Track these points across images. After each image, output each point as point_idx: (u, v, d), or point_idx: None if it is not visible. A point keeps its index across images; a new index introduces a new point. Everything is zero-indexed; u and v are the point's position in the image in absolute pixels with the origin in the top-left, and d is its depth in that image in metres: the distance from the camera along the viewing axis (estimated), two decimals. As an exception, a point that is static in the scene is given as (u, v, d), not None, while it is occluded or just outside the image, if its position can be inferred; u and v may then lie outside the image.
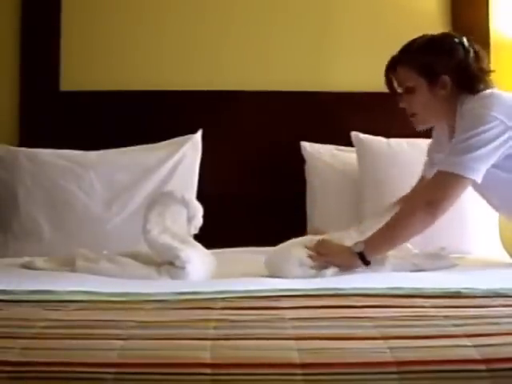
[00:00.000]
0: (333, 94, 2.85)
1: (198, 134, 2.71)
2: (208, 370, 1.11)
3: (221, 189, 2.66)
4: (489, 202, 2.16)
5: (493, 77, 2.09)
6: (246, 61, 2.91)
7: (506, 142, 1.94)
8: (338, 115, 2.76)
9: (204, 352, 1.16)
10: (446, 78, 2.04)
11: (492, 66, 2.85)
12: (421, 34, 2.88)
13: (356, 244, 1.95)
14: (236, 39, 2.91)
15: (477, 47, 2.09)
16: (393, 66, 2.12)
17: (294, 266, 1.92)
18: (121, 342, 1.20)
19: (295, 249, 1.95)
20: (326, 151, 2.74)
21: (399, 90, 2.13)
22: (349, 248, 1.96)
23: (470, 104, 2.01)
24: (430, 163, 2.23)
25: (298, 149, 2.75)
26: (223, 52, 2.91)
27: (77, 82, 2.84)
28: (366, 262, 1.93)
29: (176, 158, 2.64)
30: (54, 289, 1.60)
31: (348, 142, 2.68)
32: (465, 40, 2.08)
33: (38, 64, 2.84)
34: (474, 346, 1.17)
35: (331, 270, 1.91)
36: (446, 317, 1.37)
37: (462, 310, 1.43)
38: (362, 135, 2.65)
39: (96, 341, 1.22)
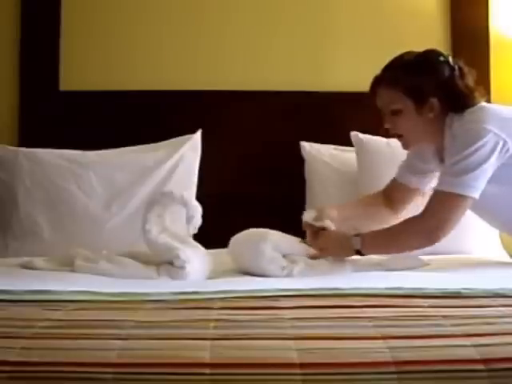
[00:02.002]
0: (332, 94, 2.85)
1: (198, 134, 2.71)
2: (207, 370, 1.11)
3: (220, 189, 2.66)
4: (488, 218, 2.16)
5: (480, 91, 2.05)
6: (245, 61, 2.91)
7: (500, 152, 1.92)
8: (337, 115, 2.76)
9: (203, 352, 1.16)
10: (434, 101, 2.01)
11: (491, 66, 2.88)
12: (421, 33, 2.92)
13: (354, 239, 1.97)
14: (236, 39, 2.91)
15: (461, 63, 2.06)
16: (377, 87, 2.08)
17: (265, 263, 1.92)
18: (120, 342, 1.20)
19: (265, 245, 1.95)
20: (326, 151, 2.74)
21: (384, 111, 2.10)
22: (348, 242, 1.97)
23: (461, 121, 1.99)
24: (407, 169, 2.21)
25: (298, 149, 2.75)
26: (223, 52, 2.91)
27: (76, 82, 2.85)
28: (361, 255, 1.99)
29: (175, 158, 2.64)
30: (54, 289, 1.60)
31: (348, 142, 2.68)
32: (449, 57, 2.05)
33: (37, 64, 2.84)
34: (474, 346, 1.17)
35: (298, 268, 1.92)
36: (446, 317, 1.37)
37: (461, 309, 1.43)
38: (361, 135, 2.65)
39: (95, 341, 1.22)
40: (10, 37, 2.86)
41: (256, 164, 2.78)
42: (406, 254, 2.12)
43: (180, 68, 2.90)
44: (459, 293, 1.58)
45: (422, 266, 2.06)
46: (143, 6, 2.91)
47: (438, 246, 2.39)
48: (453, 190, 1.92)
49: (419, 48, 2.75)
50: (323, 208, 2.13)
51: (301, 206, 2.67)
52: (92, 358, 1.14)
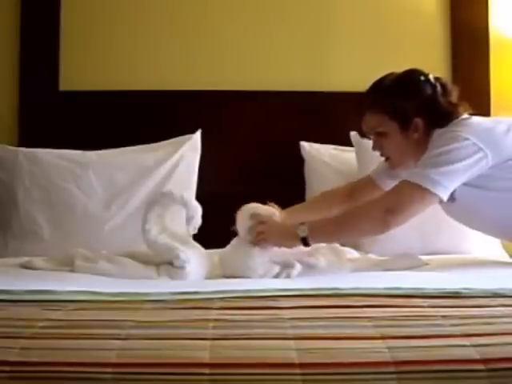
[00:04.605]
0: (332, 94, 2.85)
1: (197, 134, 2.71)
2: (206, 370, 1.11)
3: (220, 189, 2.66)
4: (485, 228, 2.15)
5: (463, 106, 2.06)
6: (245, 61, 2.91)
7: (477, 162, 1.91)
8: (337, 115, 2.76)
9: (203, 352, 1.16)
10: (419, 121, 2.01)
11: (492, 66, 2.88)
12: (421, 33, 2.92)
13: (301, 227, 1.92)
14: (236, 39, 2.91)
15: (443, 80, 2.07)
16: (362, 111, 2.08)
17: (257, 266, 1.91)
18: (119, 342, 1.20)
19: (253, 261, 1.92)
20: (326, 151, 2.74)
21: (369, 134, 2.11)
22: (293, 230, 1.93)
23: (442, 130, 2.00)
24: (386, 171, 2.20)
25: (298, 149, 2.75)
26: (222, 52, 2.91)
27: (76, 82, 2.85)
28: (307, 245, 1.93)
29: (175, 158, 2.65)
30: (53, 289, 1.60)
31: (347, 142, 2.68)
32: (430, 76, 2.05)
33: (37, 64, 2.84)
34: (473, 346, 1.17)
35: (296, 271, 1.91)
36: (445, 317, 1.36)
37: (460, 309, 1.43)
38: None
39: (95, 341, 1.22)
40: (10, 37, 2.86)
41: (256, 164, 2.78)
42: (406, 253, 2.12)
43: (180, 68, 2.90)
44: (458, 293, 1.58)
45: (421, 265, 2.06)
46: (143, 6, 2.91)
47: (438, 246, 2.41)
48: (416, 180, 1.91)
49: (419, 48, 2.76)
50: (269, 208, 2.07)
51: (301, 206, 2.67)
52: (91, 357, 1.14)
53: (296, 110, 2.84)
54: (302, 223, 1.94)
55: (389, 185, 2.14)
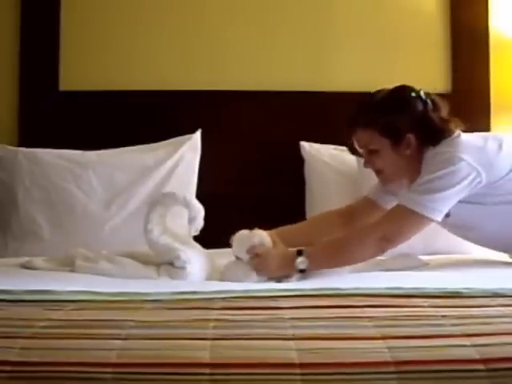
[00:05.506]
0: (332, 94, 2.85)
1: (197, 134, 2.71)
2: (207, 370, 1.11)
3: (220, 189, 2.66)
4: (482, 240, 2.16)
5: (455, 121, 2.04)
6: (245, 61, 2.91)
7: (471, 182, 1.92)
8: (337, 115, 2.75)
9: (203, 352, 1.16)
10: (411, 137, 2.01)
11: (491, 66, 2.88)
12: (420, 33, 2.92)
13: (299, 261, 1.89)
14: (235, 39, 2.91)
15: (433, 96, 2.06)
16: (352, 128, 2.08)
17: (255, 281, 1.88)
18: (120, 342, 1.20)
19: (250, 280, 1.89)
20: (326, 151, 2.74)
21: (361, 151, 2.10)
22: (290, 261, 1.90)
23: (435, 150, 1.99)
24: (382, 189, 2.19)
25: (298, 149, 2.75)
26: (223, 52, 2.91)
27: (76, 82, 2.85)
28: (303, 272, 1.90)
29: (175, 157, 2.65)
30: (54, 289, 1.60)
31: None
32: (421, 92, 2.04)
33: (37, 64, 2.84)
34: (473, 346, 1.17)
35: (294, 278, 1.89)
36: (445, 316, 1.37)
37: (460, 309, 1.43)
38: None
39: (95, 340, 1.22)
40: (10, 37, 2.85)
41: (256, 164, 2.78)
42: (406, 253, 2.12)
43: (180, 68, 2.90)
44: (459, 293, 1.58)
45: (421, 265, 2.06)
46: (142, 5, 2.91)
47: (438, 246, 2.41)
48: (412, 207, 1.91)
49: (419, 48, 2.76)
50: (259, 233, 2.01)
51: (301, 206, 2.68)
52: (92, 357, 1.14)
53: (296, 110, 2.83)
54: (300, 251, 1.91)
55: (389, 202, 2.13)
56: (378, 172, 2.11)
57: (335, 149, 2.75)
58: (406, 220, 1.93)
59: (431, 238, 2.40)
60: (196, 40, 2.90)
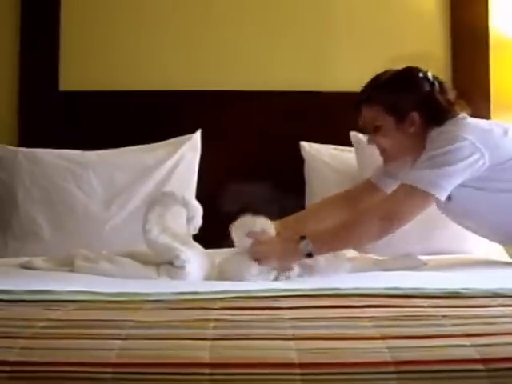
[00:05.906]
0: (332, 94, 2.85)
1: (197, 134, 2.71)
2: (207, 370, 1.11)
3: (220, 189, 2.66)
4: (478, 229, 2.16)
5: (460, 104, 2.07)
6: (245, 61, 2.91)
7: (475, 162, 1.92)
8: (337, 115, 2.76)
9: (203, 352, 1.16)
10: (415, 115, 2.03)
11: (491, 66, 2.88)
12: (421, 33, 2.92)
13: (303, 243, 1.88)
14: (237, 40, 2.91)
15: (441, 79, 2.08)
16: (358, 106, 2.10)
17: (253, 277, 1.87)
18: (120, 342, 1.20)
19: (249, 274, 1.87)
20: (326, 151, 2.74)
21: (366, 129, 2.12)
22: (294, 247, 1.89)
23: (440, 129, 2.00)
24: (384, 172, 2.21)
25: (298, 149, 2.75)
26: (223, 52, 2.91)
27: (76, 82, 2.85)
28: (311, 257, 1.90)
29: (175, 157, 2.65)
30: (54, 289, 1.60)
31: (347, 142, 2.68)
32: (429, 73, 2.06)
33: (37, 64, 2.84)
34: (473, 346, 1.17)
35: (294, 274, 1.90)
36: (445, 317, 1.36)
37: (460, 309, 1.43)
38: (361, 135, 2.64)
39: (95, 341, 1.21)
40: (10, 37, 2.86)
41: (255, 164, 2.78)
42: (406, 253, 2.12)
43: (180, 68, 2.91)
44: (459, 293, 1.58)
45: (421, 265, 2.06)
46: (143, 5, 2.92)
47: (437, 246, 2.41)
48: (415, 183, 1.91)
49: (419, 48, 2.76)
50: (262, 220, 2.00)
51: (301, 206, 2.67)
52: (91, 357, 1.14)
53: (296, 110, 2.84)
54: (302, 236, 1.90)
55: (390, 185, 2.15)
56: (382, 150, 2.12)
57: (335, 149, 2.76)
58: (408, 198, 1.92)
59: (431, 238, 2.41)
60: (198, 40, 2.91)
